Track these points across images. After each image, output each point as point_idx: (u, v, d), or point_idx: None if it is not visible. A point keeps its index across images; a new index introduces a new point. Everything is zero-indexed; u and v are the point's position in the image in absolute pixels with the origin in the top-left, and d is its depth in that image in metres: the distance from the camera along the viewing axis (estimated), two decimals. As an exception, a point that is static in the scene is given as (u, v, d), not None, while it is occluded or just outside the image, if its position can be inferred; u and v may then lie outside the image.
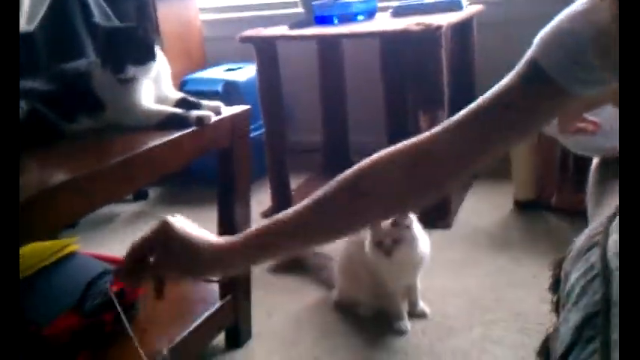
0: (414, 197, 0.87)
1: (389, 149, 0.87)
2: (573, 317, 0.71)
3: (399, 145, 0.86)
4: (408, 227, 1.63)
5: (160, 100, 1.49)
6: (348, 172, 0.88)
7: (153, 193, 3.03)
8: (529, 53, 0.78)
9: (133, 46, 1.43)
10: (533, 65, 0.77)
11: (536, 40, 0.78)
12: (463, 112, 0.84)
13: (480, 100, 0.83)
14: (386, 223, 1.61)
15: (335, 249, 1.99)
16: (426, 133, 0.86)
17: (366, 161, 0.87)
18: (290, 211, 0.90)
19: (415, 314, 1.77)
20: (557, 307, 0.84)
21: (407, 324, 1.70)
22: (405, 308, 1.76)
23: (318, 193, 0.89)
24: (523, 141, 0.82)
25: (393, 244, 1.61)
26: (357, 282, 1.77)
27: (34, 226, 1.06)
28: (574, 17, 0.74)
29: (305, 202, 0.90)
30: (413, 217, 1.66)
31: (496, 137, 0.82)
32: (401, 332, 1.69)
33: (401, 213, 0.84)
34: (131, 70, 1.41)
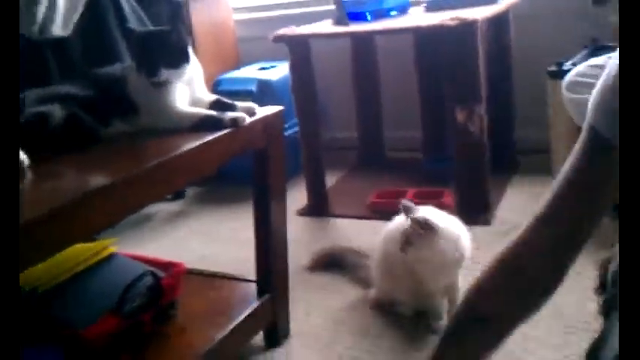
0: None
1: (484, 271, 0.94)
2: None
3: (494, 260, 0.93)
4: (425, 233, 1.58)
5: (194, 102, 1.49)
6: (462, 304, 0.96)
7: (190, 192, 3.05)
8: (587, 120, 0.84)
9: (166, 49, 1.43)
10: (592, 131, 0.82)
11: (589, 106, 0.83)
12: (541, 206, 0.89)
13: (553, 190, 0.88)
14: (405, 222, 1.60)
15: (372, 248, 1.98)
16: (513, 239, 0.92)
17: (472, 288, 0.95)
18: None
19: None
20: (604, 310, 0.81)
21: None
22: (445, 308, 1.73)
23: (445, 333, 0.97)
24: (610, 206, 0.85)
25: (404, 243, 1.60)
26: (395, 280, 1.74)
27: (72, 230, 1.08)
28: (615, 77, 0.77)
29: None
30: (438, 226, 1.60)
31: (583, 214, 0.85)
32: (440, 332, 1.66)
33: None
34: (164, 74, 1.42)
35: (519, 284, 0.89)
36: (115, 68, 1.52)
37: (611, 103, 0.78)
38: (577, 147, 0.85)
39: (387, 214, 1.72)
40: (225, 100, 1.51)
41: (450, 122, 2.27)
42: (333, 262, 2.09)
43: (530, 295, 0.90)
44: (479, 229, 2.21)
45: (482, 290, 0.92)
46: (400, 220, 1.71)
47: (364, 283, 1.93)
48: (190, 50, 1.49)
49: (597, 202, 0.84)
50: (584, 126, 0.84)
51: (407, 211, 1.63)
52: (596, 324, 1.56)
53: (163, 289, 1.47)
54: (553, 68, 2.22)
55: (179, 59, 1.45)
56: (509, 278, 0.90)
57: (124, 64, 1.55)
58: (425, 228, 1.58)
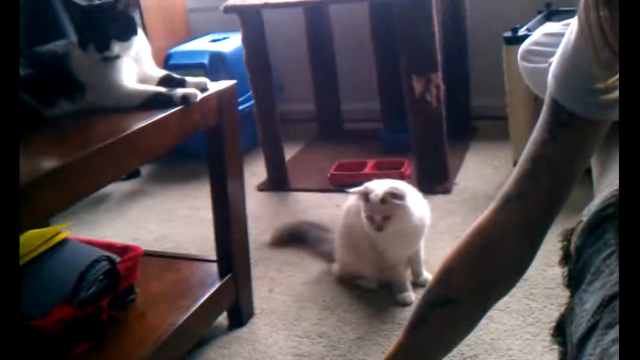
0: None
1: (452, 251, 0.91)
2: (590, 298, 0.67)
3: (461, 242, 0.90)
4: (400, 202, 1.58)
5: (143, 79, 1.43)
6: (429, 286, 0.93)
7: (145, 170, 2.98)
8: (548, 93, 0.81)
9: (114, 21, 1.36)
10: (555, 105, 0.80)
11: (549, 79, 0.81)
12: (508, 183, 0.87)
13: (519, 167, 0.86)
14: (376, 200, 1.57)
15: (334, 221, 1.96)
16: (481, 218, 0.89)
17: (439, 269, 0.91)
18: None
19: (419, 284, 1.74)
20: (569, 282, 0.80)
21: (411, 295, 1.68)
22: (408, 278, 1.72)
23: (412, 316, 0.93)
24: (576, 180, 0.84)
25: (382, 221, 1.58)
26: (358, 254, 1.73)
27: (21, 218, 1.02)
28: (572, 50, 0.76)
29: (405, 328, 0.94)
30: (406, 190, 1.61)
31: (551, 190, 0.83)
32: (405, 303, 1.66)
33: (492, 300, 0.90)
34: (116, 47, 1.35)
35: (490, 264, 0.87)
36: (57, 45, 1.43)
37: (574, 78, 0.76)
38: (540, 121, 0.83)
39: (347, 187, 1.69)
40: (175, 75, 1.46)
41: (406, 92, 2.25)
42: (294, 237, 2.07)
43: (501, 275, 0.88)
44: (439, 198, 2.22)
45: (451, 271, 0.90)
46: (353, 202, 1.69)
47: (327, 257, 1.92)
48: (137, 23, 1.43)
49: (565, 175, 0.82)
50: (546, 99, 0.82)
51: (367, 193, 1.61)
52: (557, 290, 1.59)
53: (120, 274, 1.43)
54: (508, 34, 2.21)
55: (127, 31, 1.38)
56: (479, 258, 0.88)
57: (67, 41, 1.47)
58: (398, 197, 1.57)
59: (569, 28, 0.77)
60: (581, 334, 0.64)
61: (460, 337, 0.94)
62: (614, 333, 0.58)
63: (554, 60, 0.80)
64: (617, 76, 0.64)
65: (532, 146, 0.83)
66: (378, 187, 1.60)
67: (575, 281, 0.75)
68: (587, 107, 0.76)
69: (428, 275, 1.74)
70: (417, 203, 1.64)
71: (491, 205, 0.88)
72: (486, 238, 0.87)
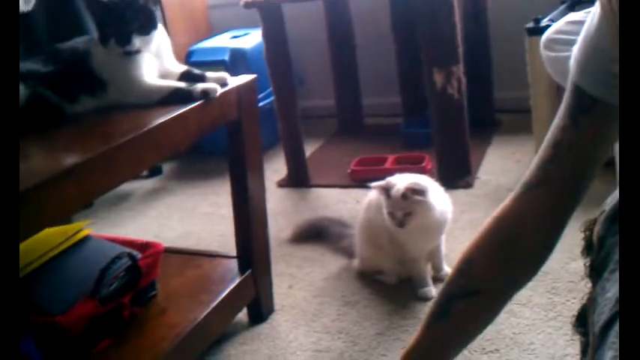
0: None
1: (472, 242, 0.90)
2: (612, 287, 0.65)
3: (482, 232, 0.89)
4: (421, 198, 1.57)
5: (163, 75, 1.44)
6: (450, 278, 0.91)
7: (167, 168, 3.00)
8: (570, 79, 0.80)
9: (135, 15, 1.37)
10: (577, 90, 0.79)
11: (572, 64, 0.80)
12: (529, 171, 0.85)
13: (540, 153, 0.84)
14: (397, 196, 1.56)
15: (354, 217, 1.95)
16: (501, 207, 0.88)
17: (459, 260, 0.90)
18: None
19: (440, 279, 1.72)
20: (591, 272, 0.78)
21: (432, 290, 1.66)
22: (429, 273, 1.71)
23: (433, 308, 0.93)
24: (597, 168, 0.83)
25: (404, 216, 1.57)
26: (379, 249, 1.72)
27: (44, 213, 1.03)
28: (595, 33, 0.75)
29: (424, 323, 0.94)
30: (427, 186, 1.59)
31: (572, 176, 0.82)
32: (426, 298, 1.65)
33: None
34: (137, 41, 1.36)
35: (511, 253, 0.86)
36: (78, 42, 1.45)
37: (596, 61, 0.75)
38: (562, 107, 0.82)
39: (367, 182, 1.68)
40: (196, 71, 1.46)
41: (428, 85, 2.23)
42: (314, 233, 2.06)
43: (522, 264, 0.87)
44: (461, 192, 2.20)
45: (472, 261, 0.89)
46: (374, 196, 1.68)
47: (347, 253, 1.91)
48: (157, 17, 1.43)
49: (586, 162, 0.81)
50: (568, 85, 0.81)
51: (388, 188, 1.60)
52: (580, 284, 1.57)
53: (141, 271, 1.43)
54: (531, 25, 2.18)
55: (148, 25, 1.39)
56: (501, 248, 0.87)
57: (88, 37, 1.48)
58: (419, 193, 1.56)
59: (591, 13, 0.75)
60: (603, 322, 0.62)
61: (480, 329, 0.93)
62: (637, 323, 0.57)
63: (577, 45, 0.79)
64: None
65: (553, 132, 0.82)
66: (400, 182, 1.59)
67: (597, 271, 0.74)
68: (609, 91, 0.74)
69: (448, 270, 1.72)
70: (438, 198, 1.62)
71: (512, 194, 0.87)
72: (507, 227, 0.86)
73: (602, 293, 0.70)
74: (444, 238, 1.72)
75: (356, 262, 1.84)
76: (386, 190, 1.59)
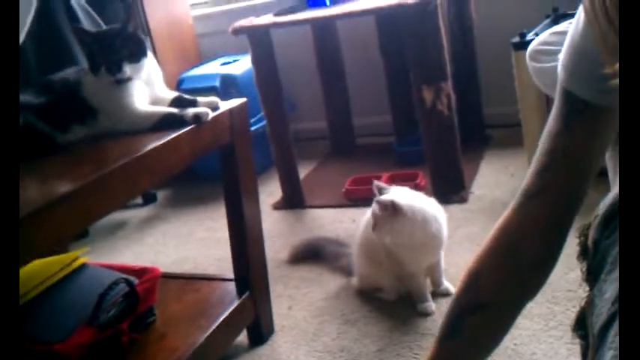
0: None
1: (477, 256, 0.91)
2: (609, 288, 0.66)
3: (485, 245, 0.90)
4: (379, 216, 1.58)
5: (154, 101, 1.45)
6: (458, 294, 0.93)
7: (161, 195, 3.00)
8: (559, 84, 0.81)
9: (124, 43, 1.39)
10: (567, 95, 0.80)
11: (559, 70, 0.81)
12: (525, 181, 0.86)
13: (535, 163, 0.85)
14: (374, 203, 1.59)
15: (350, 236, 1.95)
16: (502, 219, 0.88)
17: (465, 275, 0.90)
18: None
19: (439, 293, 1.72)
20: (587, 277, 0.79)
21: (432, 305, 1.66)
22: (428, 288, 1.71)
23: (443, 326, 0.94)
24: (593, 173, 0.85)
25: (374, 224, 1.60)
26: (377, 266, 1.72)
27: (36, 242, 1.03)
28: (580, 38, 0.76)
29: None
30: (404, 208, 1.57)
31: (569, 181, 0.83)
32: (426, 314, 1.64)
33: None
34: (128, 69, 1.37)
35: (515, 264, 0.86)
36: (69, 72, 1.46)
37: (584, 65, 0.76)
38: (553, 114, 0.83)
39: (362, 201, 1.69)
40: (186, 96, 1.47)
41: (417, 103, 2.25)
42: (312, 254, 2.06)
43: (528, 274, 0.87)
44: (456, 208, 2.20)
45: (478, 274, 0.89)
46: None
47: (345, 271, 1.91)
48: (147, 45, 1.45)
49: (582, 167, 0.81)
50: (558, 90, 0.82)
51: (380, 191, 1.62)
52: (579, 292, 1.57)
53: (139, 296, 1.43)
54: (516, 39, 2.21)
55: (138, 52, 1.41)
56: (504, 259, 0.87)
57: (78, 68, 1.49)
58: (390, 210, 1.56)
59: (575, 18, 0.77)
60: (602, 323, 0.63)
61: (495, 342, 0.92)
62: (635, 320, 0.57)
63: (562, 51, 0.80)
64: None
65: (546, 140, 0.82)
66: (389, 191, 1.63)
67: (593, 275, 0.74)
68: (599, 94, 0.76)
69: (448, 285, 1.73)
70: (429, 214, 1.62)
71: (511, 205, 0.87)
72: (508, 239, 0.86)
73: (599, 295, 0.70)
74: (442, 253, 1.72)
75: (355, 280, 1.83)
76: (379, 190, 1.65)
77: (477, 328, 0.88)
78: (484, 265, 0.89)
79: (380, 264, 1.71)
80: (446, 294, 1.72)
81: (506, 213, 0.88)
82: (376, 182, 1.67)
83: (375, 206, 1.60)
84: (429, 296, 1.68)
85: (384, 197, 1.58)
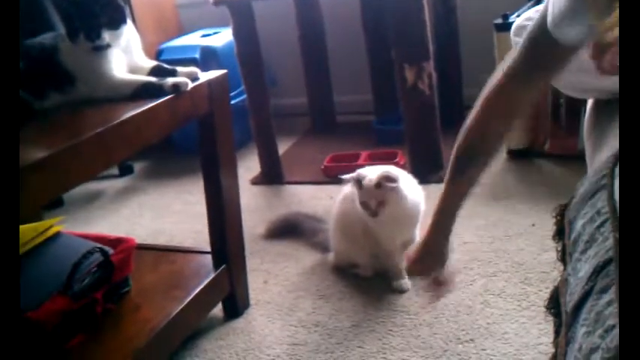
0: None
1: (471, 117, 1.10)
2: (583, 266, 0.66)
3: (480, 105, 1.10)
4: (394, 188, 1.58)
5: (133, 70, 1.42)
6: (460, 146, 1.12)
7: (138, 167, 2.97)
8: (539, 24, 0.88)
9: (103, 9, 1.35)
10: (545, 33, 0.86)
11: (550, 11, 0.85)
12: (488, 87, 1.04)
13: (499, 74, 1.01)
14: (370, 185, 1.57)
15: (328, 212, 1.95)
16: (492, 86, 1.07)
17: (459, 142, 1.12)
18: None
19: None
20: (563, 256, 0.80)
21: (407, 282, 1.67)
22: (404, 266, 1.72)
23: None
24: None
25: (377, 206, 1.58)
26: (354, 242, 1.73)
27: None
28: None
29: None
30: (400, 176, 1.60)
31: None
32: (401, 291, 1.66)
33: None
34: (107, 36, 1.34)
35: (503, 105, 1.05)
36: (45, 38, 1.42)
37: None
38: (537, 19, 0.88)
39: (340, 178, 1.68)
40: (166, 66, 1.45)
41: (399, 81, 2.24)
42: (289, 229, 2.06)
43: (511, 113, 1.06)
44: (434, 187, 2.20)
45: (468, 130, 1.09)
46: (349, 190, 1.69)
47: (321, 247, 1.91)
48: (126, 13, 1.42)
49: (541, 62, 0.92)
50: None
51: (360, 179, 1.60)
52: (552, 274, 1.59)
53: (113, 266, 1.42)
54: (499, 21, 2.21)
55: (118, 19, 1.38)
56: (490, 108, 1.07)
57: (55, 33, 1.46)
58: (392, 180, 1.57)
59: None
60: (575, 301, 0.63)
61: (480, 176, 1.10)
62: (608, 296, 0.57)
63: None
64: (613, 18, 0.64)
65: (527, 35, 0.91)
66: (372, 172, 1.60)
67: (569, 253, 0.75)
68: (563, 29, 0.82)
69: None
70: (411, 188, 1.64)
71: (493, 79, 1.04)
72: (498, 90, 1.03)
73: (573, 274, 0.71)
74: (418, 232, 1.73)
75: (331, 257, 1.84)
76: (358, 182, 1.60)
77: (474, 171, 1.10)
78: (472, 120, 1.10)
79: (356, 240, 1.72)
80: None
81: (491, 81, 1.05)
82: (357, 172, 1.63)
83: (372, 187, 1.57)
84: (405, 273, 1.69)
85: (384, 171, 1.59)
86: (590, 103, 1.22)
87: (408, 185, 1.63)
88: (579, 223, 0.74)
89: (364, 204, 1.59)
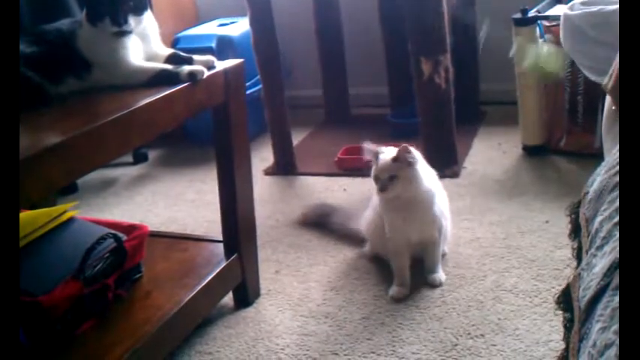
0: None
1: None
2: (599, 262, 0.66)
3: None
4: (410, 163, 1.55)
5: (150, 57, 1.43)
6: None
7: (153, 155, 2.98)
8: None
9: None
10: None
11: None
12: None
13: None
14: (387, 159, 1.55)
15: (340, 204, 1.95)
16: None
17: None
18: None
19: (429, 283, 1.65)
20: (578, 254, 0.79)
21: (402, 292, 1.61)
22: (409, 275, 1.65)
23: None
24: None
25: (389, 180, 1.54)
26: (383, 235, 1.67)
27: (25, 189, 1.01)
28: None
29: None
30: (419, 156, 1.58)
31: None
32: (392, 297, 1.61)
33: None
34: (132, 21, 1.34)
35: None
36: (63, 23, 1.43)
37: None
38: None
39: (354, 171, 1.67)
40: (182, 54, 1.45)
41: (415, 74, 2.23)
42: (321, 220, 2.03)
43: None
44: (448, 182, 2.20)
45: None
46: None
47: (353, 241, 1.89)
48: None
49: None
50: None
51: (379, 152, 1.58)
52: (565, 271, 1.58)
53: (126, 252, 1.42)
54: (518, 16, 2.19)
55: (141, 5, 1.38)
56: None
57: (73, 19, 1.46)
58: (412, 156, 1.55)
59: None
60: (590, 296, 0.63)
61: None
62: (624, 293, 0.57)
63: None
64: None
65: None
66: (392, 150, 1.58)
67: (585, 251, 0.74)
68: None
69: (440, 276, 1.65)
70: (428, 176, 1.61)
71: None
72: None
73: (587, 269, 0.70)
74: (441, 240, 1.66)
75: (366, 248, 1.83)
76: (376, 154, 1.58)
77: None
78: None
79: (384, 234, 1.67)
80: (432, 285, 1.64)
81: None
82: (367, 146, 1.62)
83: (389, 161, 1.55)
84: (406, 282, 1.63)
85: (403, 146, 1.56)
86: (608, 99, 1.21)
87: (426, 172, 1.60)
88: (597, 220, 0.73)
89: (376, 177, 1.56)
